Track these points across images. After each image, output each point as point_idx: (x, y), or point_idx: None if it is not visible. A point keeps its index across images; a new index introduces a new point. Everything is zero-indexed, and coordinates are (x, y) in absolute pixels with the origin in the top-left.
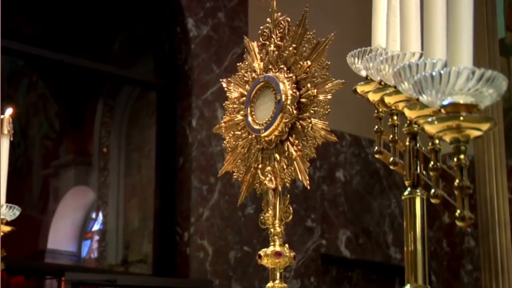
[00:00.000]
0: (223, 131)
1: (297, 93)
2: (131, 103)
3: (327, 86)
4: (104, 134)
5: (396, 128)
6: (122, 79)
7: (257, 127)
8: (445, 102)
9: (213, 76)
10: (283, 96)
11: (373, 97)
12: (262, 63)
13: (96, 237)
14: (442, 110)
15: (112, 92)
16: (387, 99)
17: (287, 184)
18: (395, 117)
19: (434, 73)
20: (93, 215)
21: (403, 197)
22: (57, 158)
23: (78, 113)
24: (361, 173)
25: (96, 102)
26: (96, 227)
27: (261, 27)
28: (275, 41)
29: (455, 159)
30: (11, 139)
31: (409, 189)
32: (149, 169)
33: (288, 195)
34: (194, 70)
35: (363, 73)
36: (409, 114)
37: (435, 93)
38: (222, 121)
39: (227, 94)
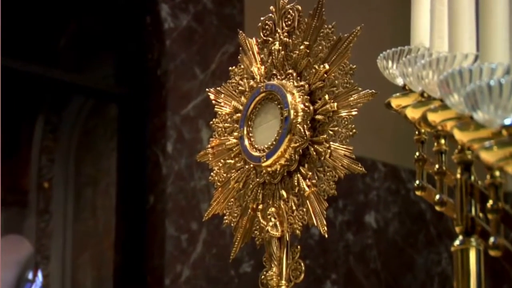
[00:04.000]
0: (210, 159)
1: (311, 107)
2: (82, 120)
3: (351, 98)
4: (45, 162)
5: (443, 156)
6: (70, 88)
7: (256, 153)
8: (508, 121)
9: (195, 83)
10: (292, 111)
11: (413, 114)
12: (263, 67)
13: None
14: (504, 132)
15: (56, 106)
16: (431, 117)
17: (298, 232)
18: (442, 141)
19: (492, 82)
20: (29, 275)
21: (452, 248)
22: None
23: (9, 135)
24: (400, 216)
25: (34, 119)
26: None
27: (261, 18)
28: (281, 37)
29: None
30: None
31: (460, 237)
32: (107, 211)
33: (299, 247)
34: (170, 75)
35: (400, 81)
36: (460, 136)
37: (494, 108)
38: (209, 146)
39: (216, 109)
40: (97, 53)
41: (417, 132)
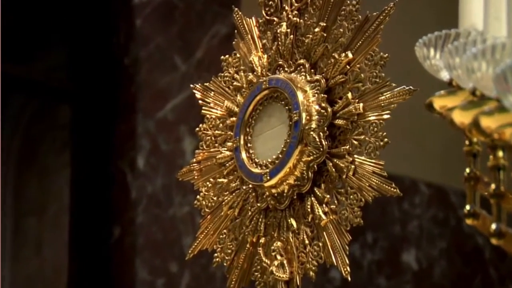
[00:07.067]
0: (196, 177)
1: (329, 109)
2: (23, 126)
3: (382, 98)
4: None
5: (501, 173)
6: (7, 83)
7: (257, 170)
8: None
9: (176, 77)
10: (304, 115)
11: (462, 118)
12: (265, 56)
13: None
14: None
15: None
16: (486, 122)
17: (311, 274)
18: (499, 153)
19: None
20: None
21: None
22: None
23: None
24: (448, 254)
25: None
26: None
27: None
28: (290, 16)
29: None
30: None
31: None
32: (57, 248)
33: None
34: (142, 65)
35: (444, 75)
36: None
37: None
38: (194, 160)
39: (203, 111)
40: (44, 37)
41: (467, 142)
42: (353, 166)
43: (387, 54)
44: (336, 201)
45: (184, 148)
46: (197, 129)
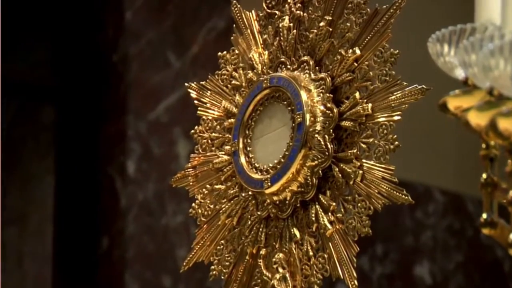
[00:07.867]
0: (191, 184)
1: (335, 110)
2: (4, 128)
3: (392, 97)
4: None
5: None
6: None
7: (257, 176)
8: None
9: (169, 74)
10: (308, 116)
11: (478, 120)
12: (266, 53)
13: None
14: None
15: None
16: (504, 123)
17: None
18: None
19: None
20: None
21: None
22: None
23: None
24: (465, 267)
25: None
26: None
27: None
28: (293, 9)
29: None
30: None
31: None
32: (40, 261)
33: None
34: (132, 62)
35: (459, 73)
36: None
37: None
38: (189, 165)
39: (199, 112)
40: (25, 31)
41: (484, 146)
42: (361, 172)
43: (397, 51)
44: (342, 209)
45: (178, 152)
46: (192, 131)
